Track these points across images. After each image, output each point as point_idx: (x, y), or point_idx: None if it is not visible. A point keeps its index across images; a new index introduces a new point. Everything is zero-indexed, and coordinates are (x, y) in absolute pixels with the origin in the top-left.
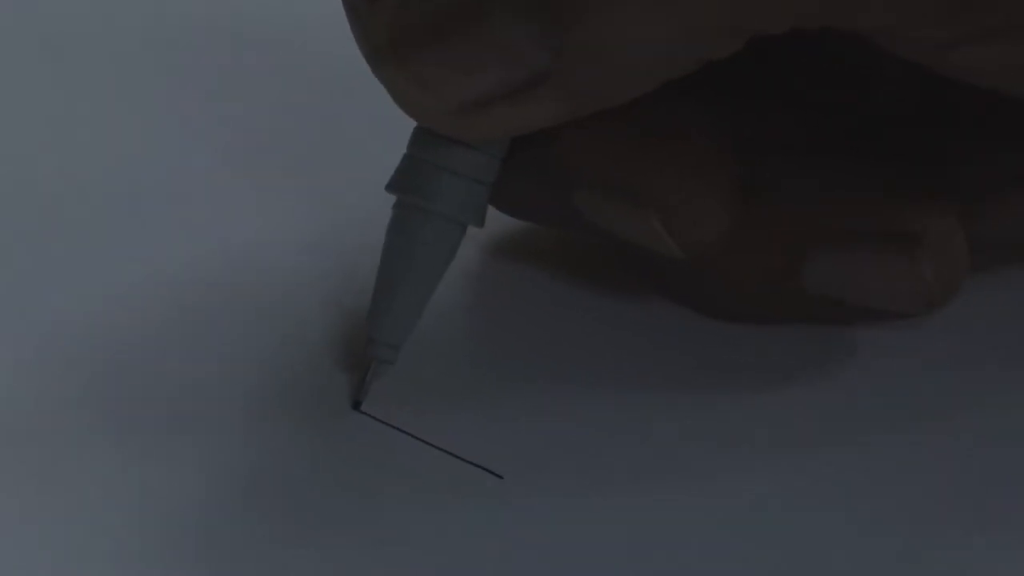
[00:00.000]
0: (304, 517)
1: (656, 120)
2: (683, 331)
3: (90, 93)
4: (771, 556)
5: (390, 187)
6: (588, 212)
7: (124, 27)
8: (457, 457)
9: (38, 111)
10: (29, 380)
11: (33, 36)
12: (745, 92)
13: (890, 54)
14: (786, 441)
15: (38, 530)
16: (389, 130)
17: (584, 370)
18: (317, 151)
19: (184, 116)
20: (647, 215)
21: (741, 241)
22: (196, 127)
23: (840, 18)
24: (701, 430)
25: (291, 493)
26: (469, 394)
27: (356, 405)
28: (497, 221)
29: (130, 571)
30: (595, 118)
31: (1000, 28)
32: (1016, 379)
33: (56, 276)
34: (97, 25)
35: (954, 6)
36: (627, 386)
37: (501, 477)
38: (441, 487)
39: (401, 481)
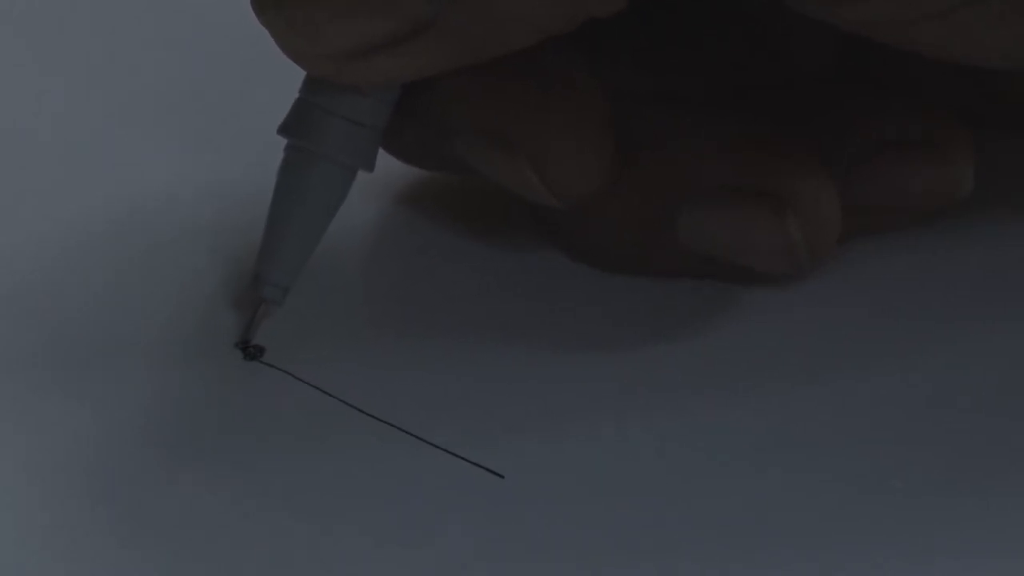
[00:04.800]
0: (202, 456)
1: (535, 69)
2: (572, 281)
3: None
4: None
5: (281, 130)
6: (468, 159)
7: None
8: (457, 456)
9: None
10: None
11: None
12: (644, 43)
13: (793, 10)
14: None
15: None
16: (285, 74)
17: (470, 319)
18: (209, 95)
19: (75, 64)
20: (520, 164)
21: (618, 191)
22: (87, 75)
23: None
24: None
25: (185, 431)
26: (361, 342)
27: (244, 344)
28: (396, 167)
29: (23, 512)
30: (475, 66)
31: None
32: (893, 339)
33: None
34: None
35: None
36: (514, 335)
37: (502, 477)
38: (354, 444)
39: (291, 424)
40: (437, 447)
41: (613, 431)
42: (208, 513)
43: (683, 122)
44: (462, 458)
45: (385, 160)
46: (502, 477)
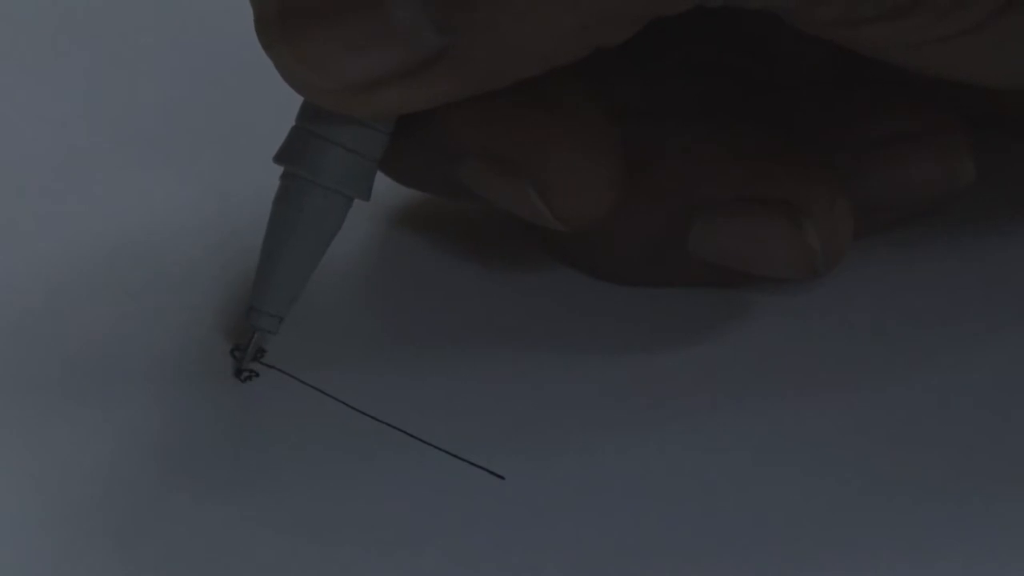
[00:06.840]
0: (203, 458)
1: (538, 90)
2: (577, 295)
3: None
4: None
5: (277, 158)
6: (472, 184)
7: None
8: (458, 457)
9: None
10: None
11: None
12: (639, 55)
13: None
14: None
15: None
16: (282, 103)
17: (471, 324)
18: (207, 123)
19: (73, 90)
20: (526, 190)
21: (626, 206)
22: (86, 102)
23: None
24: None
25: (186, 434)
26: (362, 346)
27: (238, 373)
28: (396, 191)
29: (28, 521)
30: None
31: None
32: (896, 341)
33: None
34: None
35: None
36: (515, 339)
37: (502, 478)
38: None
39: (292, 426)
40: (438, 448)
41: (614, 433)
42: (209, 514)
43: (685, 131)
44: (463, 459)
45: (381, 181)
46: (503, 478)
